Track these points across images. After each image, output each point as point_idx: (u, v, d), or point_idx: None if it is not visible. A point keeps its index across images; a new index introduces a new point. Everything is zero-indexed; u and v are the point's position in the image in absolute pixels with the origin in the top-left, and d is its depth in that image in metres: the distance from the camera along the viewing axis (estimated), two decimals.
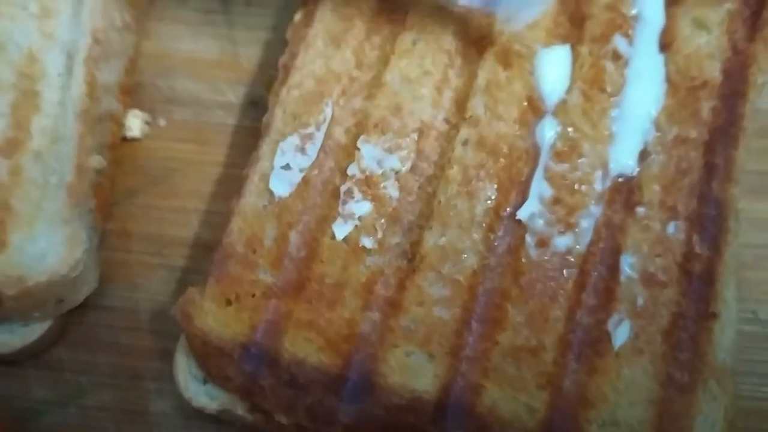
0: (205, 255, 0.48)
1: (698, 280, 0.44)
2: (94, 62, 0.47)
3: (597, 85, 0.47)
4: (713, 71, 0.47)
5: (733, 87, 0.47)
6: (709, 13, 0.49)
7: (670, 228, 0.45)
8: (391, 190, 0.45)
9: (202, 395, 0.44)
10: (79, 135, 0.46)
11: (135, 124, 0.52)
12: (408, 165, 0.45)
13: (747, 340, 0.47)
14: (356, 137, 0.46)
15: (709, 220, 0.45)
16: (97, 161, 0.47)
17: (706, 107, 0.47)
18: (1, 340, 0.45)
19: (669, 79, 0.47)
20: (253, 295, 0.43)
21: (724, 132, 0.46)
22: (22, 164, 0.45)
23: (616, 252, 0.44)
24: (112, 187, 0.50)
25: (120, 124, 0.51)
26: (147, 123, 0.52)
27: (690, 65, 0.48)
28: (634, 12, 0.48)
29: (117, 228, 0.50)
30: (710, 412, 0.42)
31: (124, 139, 0.52)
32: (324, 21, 0.48)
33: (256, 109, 0.52)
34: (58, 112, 0.46)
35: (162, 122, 0.53)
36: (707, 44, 0.48)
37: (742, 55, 0.48)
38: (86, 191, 0.46)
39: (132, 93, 0.52)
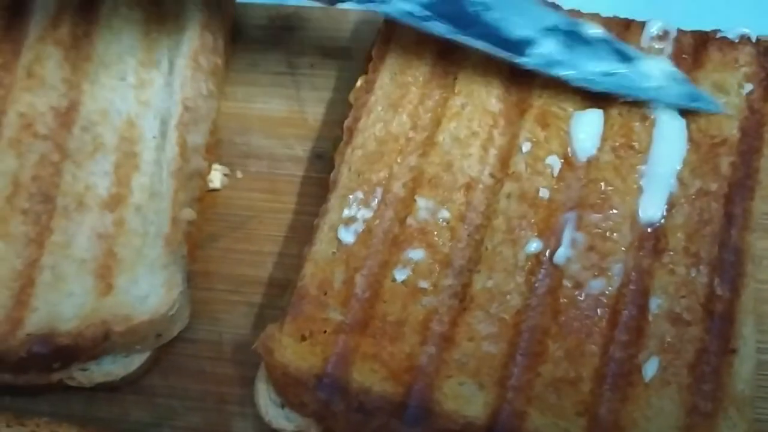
0: (279, 292, 0.54)
1: (719, 319, 0.48)
2: (185, 127, 0.53)
3: (626, 143, 0.52)
4: (731, 130, 0.52)
5: (750, 143, 0.52)
6: (727, 76, 0.54)
7: (694, 272, 0.49)
8: (443, 238, 0.50)
9: (281, 418, 0.49)
10: (174, 191, 0.51)
11: (216, 176, 0.57)
12: (458, 215, 0.51)
13: (766, 368, 0.51)
14: (413, 191, 0.51)
15: (729, 265, 0.49)
16: (188, 213, 0.52)
17: (726, 162, 0.52)
18: (106, 369, 0.50)
19: (691, 138, 0.53)
20: (325, 332, 0.48)
21: (741, 185, 0.51)
22: (125, 217, 0.51)
23: (644, 293, 0.49)
24: (198, 233, 0.55)
25: (205, 179, 0.56)
26: (226, 175, 0.58)
27: (710, 125, 0.53)
28: None
29: (200, 269, 0.55)
30: None
31: (206, 190, 0.57)
32: (383, 88, 0.54)
33: (321, 162, 0.58)
34: (154, 171, 0.52)
35: (239, 174, 0.58)
36: (726, 105, 0.53)
37: (758, 114, 0.53)
38: (180, 240, 0.51)
39: (214, 150, 0.58)
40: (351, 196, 0.51)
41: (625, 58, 0.53)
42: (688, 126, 0.53)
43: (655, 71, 0.53)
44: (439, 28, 0.52)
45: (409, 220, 0.51)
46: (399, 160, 0.52)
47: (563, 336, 0.48)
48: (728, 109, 0.53)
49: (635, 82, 0.53)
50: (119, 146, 0.53)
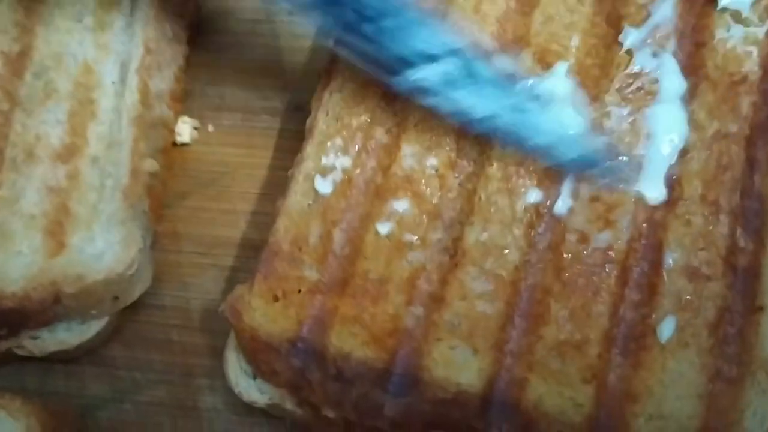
0: (253, 255, 0.50)
1: (743, 274, 0.43)
2: (147, 71, 0.49)
3: (634, 82, 0.48)
4: (752, 66, 0.47)
5: None
6: (746, 6, 0.49)
7: (713, 222, 0.44)
8: (431, 187, 0.46)
9: (252, 390, 0.46)
10: (133, 140, 0.48)
11: (185, 130, 0.54)
12: (448, 163, 0.46)
13: None
14: (397, 137, 0.47)
15: (752, 213, 0.44)
16: (150, 165, 0.48)
17: (746, 102, 0.47)
18: (60, 338, 0.47)
19: (707, 76, 0.48)
20: (299, 291, 0.44)
21: (764, 126, 0.46)
22: (80, 169, 0.47)
23: (657, 247, 0.44)
24: (164, 190, 0.52)
25: (171, 130, 0.53)
26: (196, 129, 0.54)
27: (728, 61, 0.48)
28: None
29: (168, 229, 0.52)
30: (759, 405, 0.41)
31: (174, 145, 0.54)
32: None
33: (300, 114, 0.53)
34: (112, 119, 0.48)
35: (211, 128, 0.55)
36: (745, 39, 0.48)
37: None
38: (140, 194, 0.48)
39: (182, 100, 0.54)
40: (329, 143, 0.47)
41: (535, 98, 0.45)
42: (703, 63, 0.48)
43: (568, 121, 0.45)
44: (324, 22, 0.45)
45: (394, 168, 0.46)
46: (382, 104, 0.48)
47: (567, 295, 0.43)
48: (747, 44, 0.48)
49: (532, 127, 0.45)
50: (74, 93, 0.49)
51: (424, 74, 0.44)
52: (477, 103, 0.45)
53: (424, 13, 0.45)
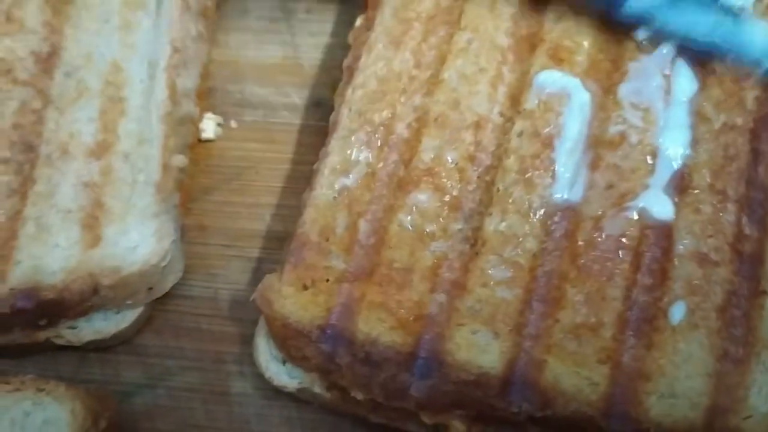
0: (277, 246, 0.51)
1: (749, 260, 0.45)
2: (174, 69, 0.50)
3: (643, 77, 0.49)
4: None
5: None
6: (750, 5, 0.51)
7: (721, 210, 0.46)
8: (452, 180, 0.47)
9: (282, 375, 0.47)
10: (164, 136, 0.49)
11: (209, 126, 0.55)
12: (467, 156, 0.48)
13: None
14: (418, 132, 0.48)
15: (757, 203, 0.46)
16: (179, 160, 0.50)
17: (751, 96, 0.49)
18: (96, 327, 0.48)
19: (714, 71, 0.49)
20: (328, 280, 0.46)
21: (767, 120, 0.48)
22: (112, 165, 0.48)
23: (668, 234, 0.46)
24: (191, 184, 0.53)
25: (197, 127, 0.54)
26: (219, 125, 0.55)
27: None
28: None
29: (195, 223, 0.53)
30: (764, 383, 0.43)
31: (199, 141, 0.55)
32: (384, 24, 0.51)
33: (319, 109, 0.55)
34: (142, 116, 0.49)
35: (233, 124, 0.56)
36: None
37: None
38: (171, 188, 0.49)
39: (205, 97, 0.55)
40: (352, 138, 0.48)
41: (731, 15, 0.49)
42: (710, 60, 0.50)
43: (761, 36, 0.49)
44: None
45: (415, 162, 0.48)
46: (402, 100, 0.49)
47: (582, 280, 0.45)
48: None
49: (742, 41, 0.49)
50: (104, 91, 0.50)
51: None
52: (696, 21, 0.48)
53: None
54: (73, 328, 0.48)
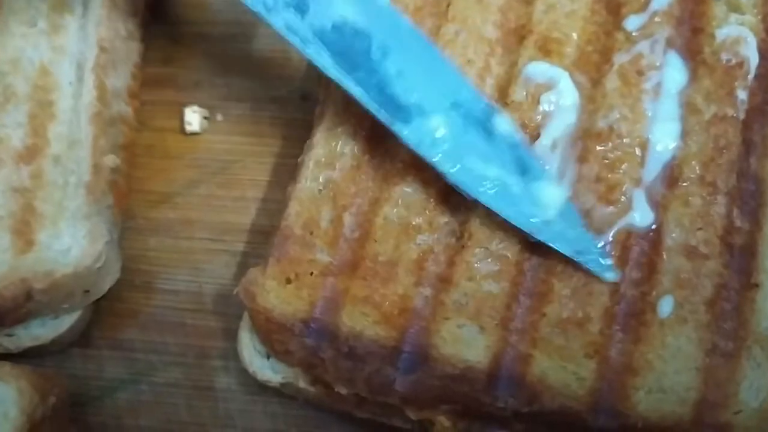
0: (263, 240, 0.51)
1: (739, 252, 0.45)
2: (102, 69, 0.50)
3: (634, 68, 0.49)
4: (748, 52, 0.49)
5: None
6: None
7: (711, 203, 0.46)
8: (438, 171, 0.47)
9: (266, 369, 0.47)
10: (93, 137, 0.49)
11: (194, 119, 0.55)
12: None
13: None
14: None
15: (749, 195, 0.46)
16: (111, 160, 0.49)
17: (742, 87, 0.48)
18: (35, 333, 0.48)
19: (705, 61, 0.49)
20: (312, 274, 0.45)
21: (760, 110, 0.47)
22: (43, 168, 0.48)
23: (657, 227, 0.45)
24: (128, 184, 0.52)
25: (130, 126, 0.53)
26: (206, 118, 0.55)
27: (724, 47, 0.49)
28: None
29: (180, 216, 0.53)
30: (755, 378, 0.43)
31: (185, 134, 0.55)
32: None
33: (307, 103, 0.55)
34: (72, 118, 0.49)
35: (219, 117, 0.55)
36: (741, 26, 0.49)
37: None
38: (103, 189, 0.49)
39: (191, 90, 0.55)
40: (338, 130, 0.48)
41: (523, 171, 0.45)
42: (701, 49, 0.49)
43: (550, 200, 0.45)
44: (321, 59, 0.46)
45: (401, 154, 0.47)
46: None
47: (569, 274, 0.45)
48: (745, 30, 0.49)
49: (521, 204, 0.45)
50: (33, 95, 0.50)
51: (417, 131, 0.45)
52: (483, 164, 0.45)
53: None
54: (11, 335, 0.47)
